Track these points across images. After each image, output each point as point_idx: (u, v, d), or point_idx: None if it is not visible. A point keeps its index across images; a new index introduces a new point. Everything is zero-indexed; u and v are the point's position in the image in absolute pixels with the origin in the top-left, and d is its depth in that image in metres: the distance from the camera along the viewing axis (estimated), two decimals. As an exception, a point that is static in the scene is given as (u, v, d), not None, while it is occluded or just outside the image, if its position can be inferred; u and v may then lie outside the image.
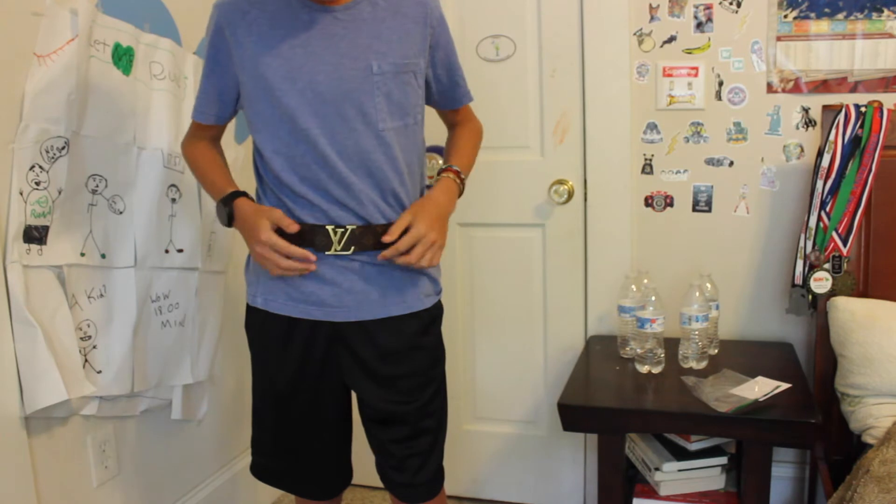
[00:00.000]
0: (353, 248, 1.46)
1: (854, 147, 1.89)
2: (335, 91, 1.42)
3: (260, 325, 1.57)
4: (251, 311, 1.58)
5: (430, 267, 1.50)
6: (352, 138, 1.44)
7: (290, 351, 1.53)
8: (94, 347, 1.76)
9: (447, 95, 1.62)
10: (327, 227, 1.45)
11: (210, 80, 1.51)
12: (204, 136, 1.59)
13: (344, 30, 1.43)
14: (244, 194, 1.52)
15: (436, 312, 1.60)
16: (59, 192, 1.64)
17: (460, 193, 1.59)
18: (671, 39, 2.13)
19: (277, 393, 1.58)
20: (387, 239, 1.45)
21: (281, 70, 1.41)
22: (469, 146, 1.66)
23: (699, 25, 2.11)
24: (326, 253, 1.46)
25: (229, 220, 1.50)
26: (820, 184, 1.92)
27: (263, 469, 1.67)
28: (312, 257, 1.45)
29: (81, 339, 1.72)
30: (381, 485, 1.65)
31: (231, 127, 2.07)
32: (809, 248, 1.96)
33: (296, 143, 1.44)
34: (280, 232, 1.44)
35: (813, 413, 1.66)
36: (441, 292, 1.62)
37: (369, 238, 1.47)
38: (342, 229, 1.45)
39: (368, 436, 1.62)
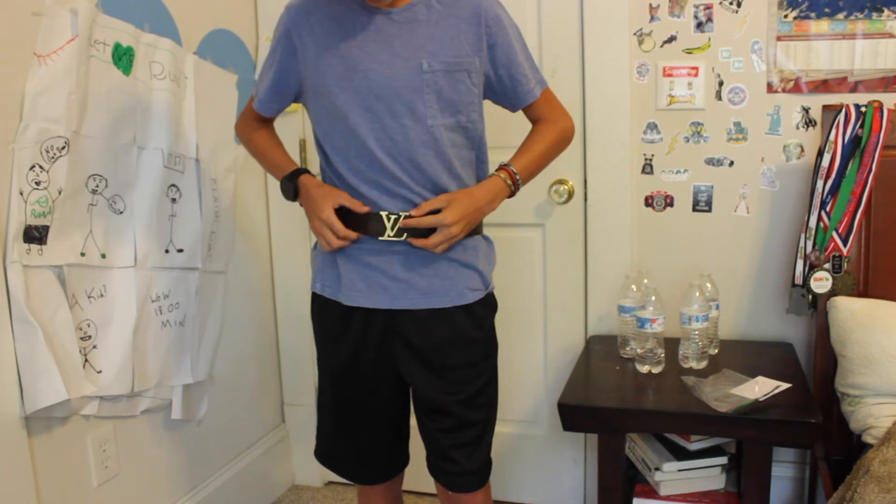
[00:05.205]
0: (405, 234, 1.51)
1: (854, 147, 1.89)
2: (386, 87, 1.49)
3: (320, 310, 1.65)
4: (314, 297, 1.67)
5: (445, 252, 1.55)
6: (401, 133, 1.51)
7: (347, 336, 1.60)
8: (95, 347, 1.76)
9: (510, 94, 1.64)
10: (381, 213, 1.52)
11: (274, 76, 1.59)
12: (263, 121, 1.70)
13: (399, 30, 1.50)
14: (307, 171, 1.61)
15: (489, 306, 1.64)
16: (60, 192, 1.64)
17: (511, 194, 1.61)
18: (671, 39, 2.13)
19: (335, 376, 1.65)
20: (414, 212, 1.51)
21: (339, 69, 1.50)
22: (541, 145, 1.66)
23: (699, 25, 2.11)
24: (380, 238, 1.52)
25: (295, 194, 1.60)
26: (820, 184, 1.92)
27: (324, 452, 1.74)
28: (354, 236, 1.53)
29: (81, 339, 1.72)
30: (430, 490, 1.64)
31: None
32: (809, 248, 1.96)
33: (347, 142, 1.53)
34: (342, 213, 1.53)
35: (813, 413, 1.66)
36: (491, 286, 1.64)
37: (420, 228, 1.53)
38: (395, 216, 1.51)
39: (420, 426, 1.67)
